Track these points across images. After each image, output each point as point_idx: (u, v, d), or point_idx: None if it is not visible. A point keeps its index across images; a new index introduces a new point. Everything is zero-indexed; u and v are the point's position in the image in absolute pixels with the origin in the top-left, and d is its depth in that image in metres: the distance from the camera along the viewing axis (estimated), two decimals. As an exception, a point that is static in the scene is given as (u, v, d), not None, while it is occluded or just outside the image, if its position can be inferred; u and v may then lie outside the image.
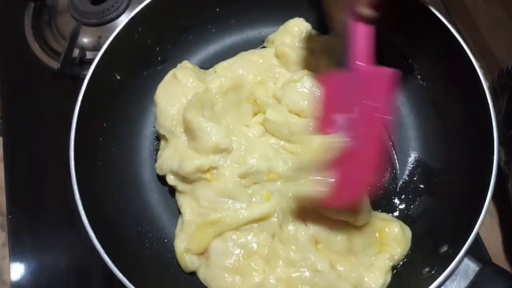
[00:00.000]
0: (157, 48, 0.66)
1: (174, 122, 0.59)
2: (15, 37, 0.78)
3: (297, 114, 0.59)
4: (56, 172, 0.68)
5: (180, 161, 0.56)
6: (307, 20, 0.66)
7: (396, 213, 0.59)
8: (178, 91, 0.60)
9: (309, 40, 0.65)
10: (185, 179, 0.57)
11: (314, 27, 0.66)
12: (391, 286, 0.54)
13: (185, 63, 0.64)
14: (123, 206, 0.59)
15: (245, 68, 0.63)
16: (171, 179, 0.58)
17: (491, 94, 0.53)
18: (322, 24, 0.66)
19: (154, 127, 0.66)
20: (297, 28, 0.65)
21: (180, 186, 0.58)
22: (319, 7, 0.64)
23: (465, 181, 0.55)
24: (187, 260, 0.55)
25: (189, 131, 0.57)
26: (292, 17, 0.68)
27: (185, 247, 0.55)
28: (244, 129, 0.61)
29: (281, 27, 0.67)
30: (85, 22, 0.75)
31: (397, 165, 0.61)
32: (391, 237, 0.55)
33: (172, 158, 0.58)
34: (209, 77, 0.63)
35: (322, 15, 0.63)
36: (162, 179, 0.62)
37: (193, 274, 0.56)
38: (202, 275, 0.55)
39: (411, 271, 0.53)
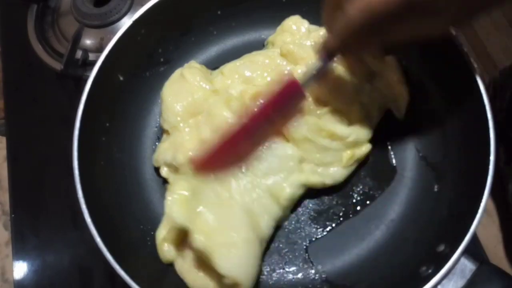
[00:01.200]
0: (160, 50, 0.67)
1: (179, 118, 0.60)
2: (18, 39, 0.79)
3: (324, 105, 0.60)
4: (59, 172, 0.69)
5: (175, 152, 0.58)
6: (304, 17, 0.67)
7: (395, 213, 0.60)
8: (185, 89, 0.61)
9: (309, 35, 0.65)
10: (177, 170, 0.58)
11: (311, 22, 0.66)
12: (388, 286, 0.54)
13: (192, 62, 0.65)
14: (126, 205, 0.60)
15: (252, 69, 0.63)
16: (164, 172, 0.60)
17: (491, 93, 0.54)
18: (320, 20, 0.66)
19: (157, 127, 0.66)
20: (294, 26, 0.65)
21: (171, 178, 0.59)
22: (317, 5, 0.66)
23: (462, 181, 0.55)
24: (165, 249, 0.56)
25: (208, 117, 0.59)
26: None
27: (164, 236, 0.56)
28: None
29: (279, 27, 0.67)
30: (88, 24, 0.76)
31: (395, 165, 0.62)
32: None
33: (168, 149, 0.59)
34: (216, 78, 0.64)
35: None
36: (163, 178, 0.63)
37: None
38: (178, 266, 0.56)
39: (408, 270, 0.53)
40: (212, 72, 0.66)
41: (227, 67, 0.65)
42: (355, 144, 0.59)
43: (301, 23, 0.66)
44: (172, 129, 0.61)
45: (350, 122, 0.60)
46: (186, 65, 0.64)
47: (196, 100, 0.60)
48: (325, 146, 0.58)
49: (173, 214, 0.54)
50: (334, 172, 0.59)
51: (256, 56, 0.65)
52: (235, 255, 0.52)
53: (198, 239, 0.52)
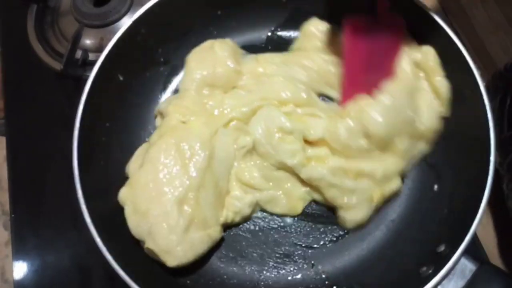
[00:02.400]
0: (160, 50, 0.67)
1: (195, 85, 0.62)
2: (18, 39, 0.79)
3: None
4: (59, 172, 0.69)
5: (169, 104, 0.62)
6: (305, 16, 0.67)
7: (394, 213, 0.60)
8: (209, 60, 0.63)
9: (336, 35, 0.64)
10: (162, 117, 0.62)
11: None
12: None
13: (228, 40, 0.66)
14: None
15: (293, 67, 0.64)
16: (156, 121, 0.64)
17: (487, 95, 0.54)
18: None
19: (156, 127, 0.66)
20: (316, 29, 0.65)
21: (158, 123, 0.64)
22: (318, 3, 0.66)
23: (462, 181, 0.55)
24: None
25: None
26: (292, 18, 0.69)
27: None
28: None
29: (301, 33, 0.67)
30: (88, 24, 0.75)
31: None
32: None
33: (168, 102, 0.63)
34: (247, 62, 0.65)
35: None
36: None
37: (196, 274, 0.57)
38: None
39: (408, 270, 0.54)
40: (245, 55, 0.66)
41: (263, 56, 0.66)
42: (384, 179, 0.56)
43: (321, 25, 0.65)
44: (183, 91, 0.63)
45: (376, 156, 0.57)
46: (219, 39, 0.66)
47: (217, 73, 0.62)
48: (351, 188, 0.56)
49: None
50: (355, 214, 0.57)
51: (299, 58, 0.64)
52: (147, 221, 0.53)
53: (122, 191, 0.56)
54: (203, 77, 0.62)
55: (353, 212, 0.57)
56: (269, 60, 0.65)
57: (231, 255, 0.59)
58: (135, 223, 0.54)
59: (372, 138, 0.56)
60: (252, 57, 0.66)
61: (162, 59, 0.68)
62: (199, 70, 0.62)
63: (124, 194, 0.56)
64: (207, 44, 0.65)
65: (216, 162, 0.57)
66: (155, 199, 0.54)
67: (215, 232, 0.56)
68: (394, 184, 0.57)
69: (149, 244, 0.53)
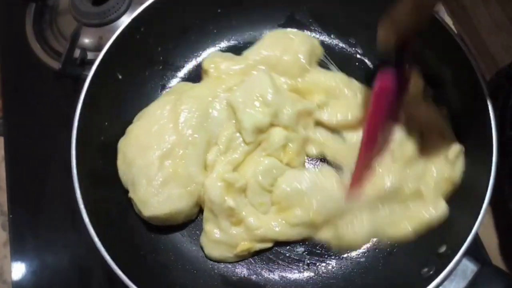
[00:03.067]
0: (159, 49, 0.67)
1: (257, 58, 0.63)
2: (16, 37, 0.79)
3: None
4: (57, 172, 0.68)
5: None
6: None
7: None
8: (284, 45, 0.63)
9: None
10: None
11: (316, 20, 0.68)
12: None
13: (315, 40, 0.66)
14: (124, 205, 0.59)
15: None
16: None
17: (489, 95, 0.53)
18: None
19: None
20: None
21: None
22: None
23: (464, 182, 0.55)
24: None
25: None
26: (292, 17, 0.69)
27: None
28: None
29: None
30: (86, 23, 0.75)
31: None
32: None
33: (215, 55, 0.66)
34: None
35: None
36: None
37: (196, 274, 0.57)
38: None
39: (410, 271, 0.53)
40: None
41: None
42: (261, 239, 0.57)
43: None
44: (239, 57, 0.65)
45: None
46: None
47: (281, 59, 0.62)
48: (223, 227, 0.56)
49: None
50: (211, 250, 0.58)
51: None
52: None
53: (120, 141, 0.59)
54: (268, 56, 0.62)
55: (211, 247, 0.57)
56: None
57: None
58: (122, 172, 0.58)
59: (274, 201, 0.57)
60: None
61: (161, 58, 0.67)
62: (269, 48, 0.63)
63: (120, 144, 0.59)
64: (292, 31, 0.66)
65: (211, 122, 0.58)
66: (142, 151, 0.56)
67: (196, 190, 0.56)
68: (267, 245, 0.57)
69: (131, 193, 0.56)
